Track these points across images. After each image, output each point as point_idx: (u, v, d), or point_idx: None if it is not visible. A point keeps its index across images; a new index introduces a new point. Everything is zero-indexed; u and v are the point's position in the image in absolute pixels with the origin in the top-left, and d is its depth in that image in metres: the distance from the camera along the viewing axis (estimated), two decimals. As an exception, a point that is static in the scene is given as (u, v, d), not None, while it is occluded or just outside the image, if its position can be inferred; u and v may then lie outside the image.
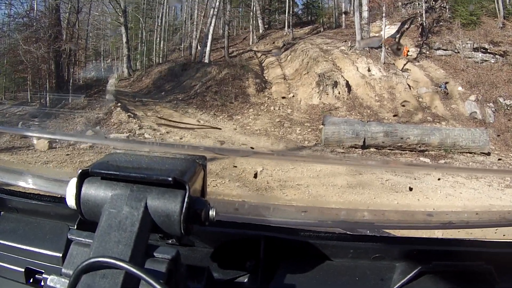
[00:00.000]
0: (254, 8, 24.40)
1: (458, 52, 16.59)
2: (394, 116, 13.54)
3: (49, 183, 0.98)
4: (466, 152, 10.69)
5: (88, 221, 0.64)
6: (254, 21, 24.05)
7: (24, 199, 0.95)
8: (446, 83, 15.23)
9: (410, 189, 7.27)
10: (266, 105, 14.52)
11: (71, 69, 17.18)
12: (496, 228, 1.02)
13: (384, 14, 16.87)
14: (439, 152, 10.60)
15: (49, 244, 0.87)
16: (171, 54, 23.53)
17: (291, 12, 23.30)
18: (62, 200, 0.74)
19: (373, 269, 0.83)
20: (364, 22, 17.13)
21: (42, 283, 0.81)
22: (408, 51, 16.92)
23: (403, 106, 14.08)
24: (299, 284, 0.80)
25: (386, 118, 13.38)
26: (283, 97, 14.84)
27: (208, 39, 18.84)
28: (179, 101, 15.08)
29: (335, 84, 14.25)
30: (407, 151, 10.58)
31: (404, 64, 16.11)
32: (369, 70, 15.18)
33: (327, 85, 14.21)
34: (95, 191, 0.63)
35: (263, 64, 18.29)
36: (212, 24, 19.01)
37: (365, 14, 17.25)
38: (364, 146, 10.49)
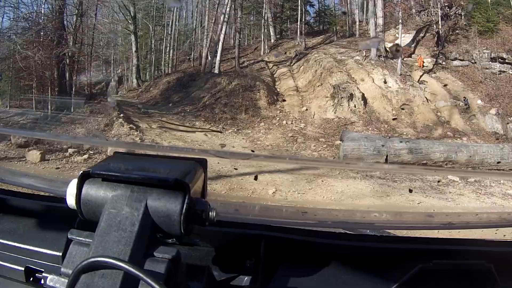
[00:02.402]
0: (266, 16, 23.96)
1: (475, 63, 16.35)
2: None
3: (49, 184, 1.01)
4: (495, 169, 10.13)
5: (88, 222, 0.64)
6: (265, 30, 23.62)
7: (24, 199, 0.96)
8: (467, 99, 14.86)
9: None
10: (278, 118, 14.17)
11: (77, 78, 17.17)
12: (496, 229, 1.02)
13: (400, 21, 16.54)
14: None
15: (49, 243, 0.86)
16: (180, 64, 23.23)
17: (303, 20, 22.92)
18: (62, 200, 0.73)
19: (373, 267, 0.81)
20: (378, 30, 16.81)
21: (42, 282, 0.76)
22: (423, 61, 16.52)
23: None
24: (299, 283, 0.79)
25: (404, 133, 12.98)
26: (297, 109, 14.51)
27: (218, 47, 18.48)
28: (186, 113, 14.78)
29: (351, 97, 13.92)
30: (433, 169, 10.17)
31: (421, 76, 15.78)
32: (385, 82, 14.86)
33: (342, 97, 13.92)
34: (95, 192, 0.62)
35: (274, 75, 17.93)
36: (223, 32, 18.66)
37: (380, 21, 16.88)
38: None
